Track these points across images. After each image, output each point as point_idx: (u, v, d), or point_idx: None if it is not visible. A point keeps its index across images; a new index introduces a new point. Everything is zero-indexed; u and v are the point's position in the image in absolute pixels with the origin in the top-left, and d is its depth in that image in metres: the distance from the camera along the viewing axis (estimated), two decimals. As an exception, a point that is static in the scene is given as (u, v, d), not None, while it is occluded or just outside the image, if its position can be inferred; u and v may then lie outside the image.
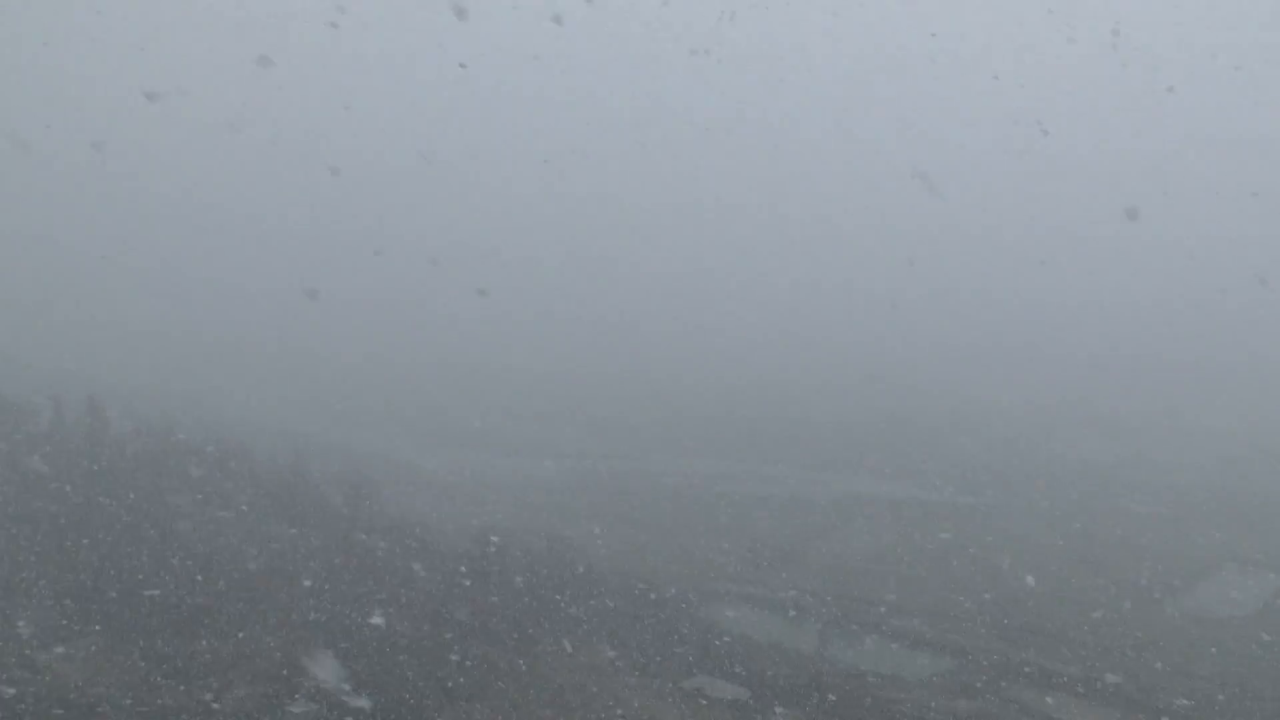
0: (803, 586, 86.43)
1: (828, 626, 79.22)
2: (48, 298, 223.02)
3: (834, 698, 64.19)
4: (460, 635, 68.62)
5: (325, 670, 65.94)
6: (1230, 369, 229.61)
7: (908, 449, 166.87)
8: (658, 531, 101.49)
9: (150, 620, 72.91)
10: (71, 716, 57.94)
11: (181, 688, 64.04)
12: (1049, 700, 67.62)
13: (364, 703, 60.35)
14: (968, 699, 67.69)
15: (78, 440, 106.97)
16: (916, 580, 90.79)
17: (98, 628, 69.94)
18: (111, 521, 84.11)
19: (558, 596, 74.66)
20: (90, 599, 74.09)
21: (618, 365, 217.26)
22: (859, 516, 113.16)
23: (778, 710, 63.09)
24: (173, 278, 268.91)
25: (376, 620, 72.15)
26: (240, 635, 71.22)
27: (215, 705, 61.46)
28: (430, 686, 61.96)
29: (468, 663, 65.12)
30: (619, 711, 60.67)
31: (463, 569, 79.64)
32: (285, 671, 64.67)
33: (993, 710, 65.94)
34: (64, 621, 70.88)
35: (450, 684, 62.43)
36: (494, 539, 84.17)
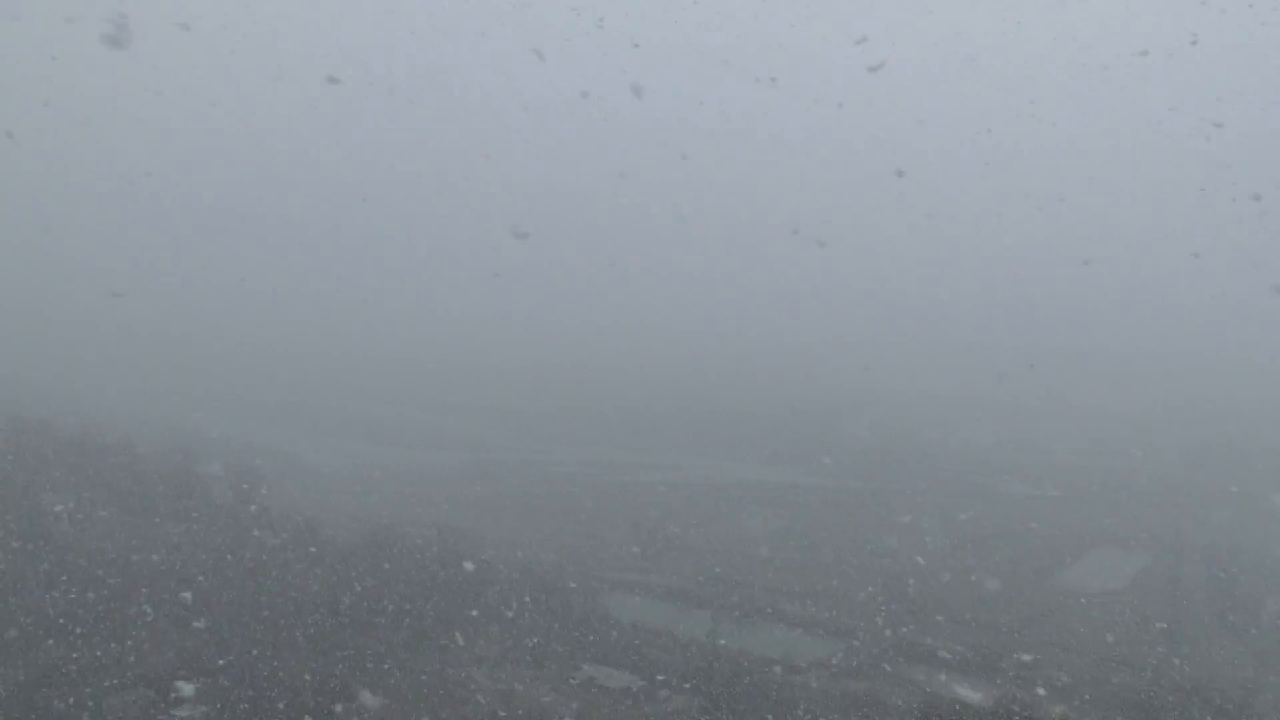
0: (694, 573, 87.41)
1: (719, 612, 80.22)
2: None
3: (725, 683, 65.07)
4: (351, 628, 67.90)
5: (214, 669, 64.40)
6: (1103, 354, 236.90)
7: (804, 437, 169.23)
8: (551, 521, 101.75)
9: (33, 622, 70.63)
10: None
11: (62, 698, 62.18)
12: (938, 677, 69.33)
13: (270, 696, 59.53)
14: (859, 679, 69.10)
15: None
16: (807, 564, 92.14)
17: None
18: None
19: (449, 588, 74.40)
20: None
21: (520, 358, 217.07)
22: (752, 503, 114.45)
23: (669, 696, 63.72)
24: (54, 264, 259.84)
25: (256, 612, 71.00)
26: (126, 640, 69.37)
27: (97, 712, 59.77)
28: (322, 680, 61.25)
29: (360, 655, 64.48)
30: (512, 702, 60.69)
31: (353, 562, 78.91)
32: (165, 678, 63.24)
33: (883, 690, 67.41)
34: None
35: (340, 677, 61.84)
36: (385, 531, 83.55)
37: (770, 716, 69.99)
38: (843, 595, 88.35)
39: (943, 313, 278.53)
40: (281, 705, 63.61)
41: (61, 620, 77.83)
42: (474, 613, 72.85)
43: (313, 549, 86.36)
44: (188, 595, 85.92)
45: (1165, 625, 76.89)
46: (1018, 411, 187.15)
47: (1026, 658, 73.62)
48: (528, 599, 76.03)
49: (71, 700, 66.74)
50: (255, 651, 69.97)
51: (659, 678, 69.10)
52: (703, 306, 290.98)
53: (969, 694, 67.47)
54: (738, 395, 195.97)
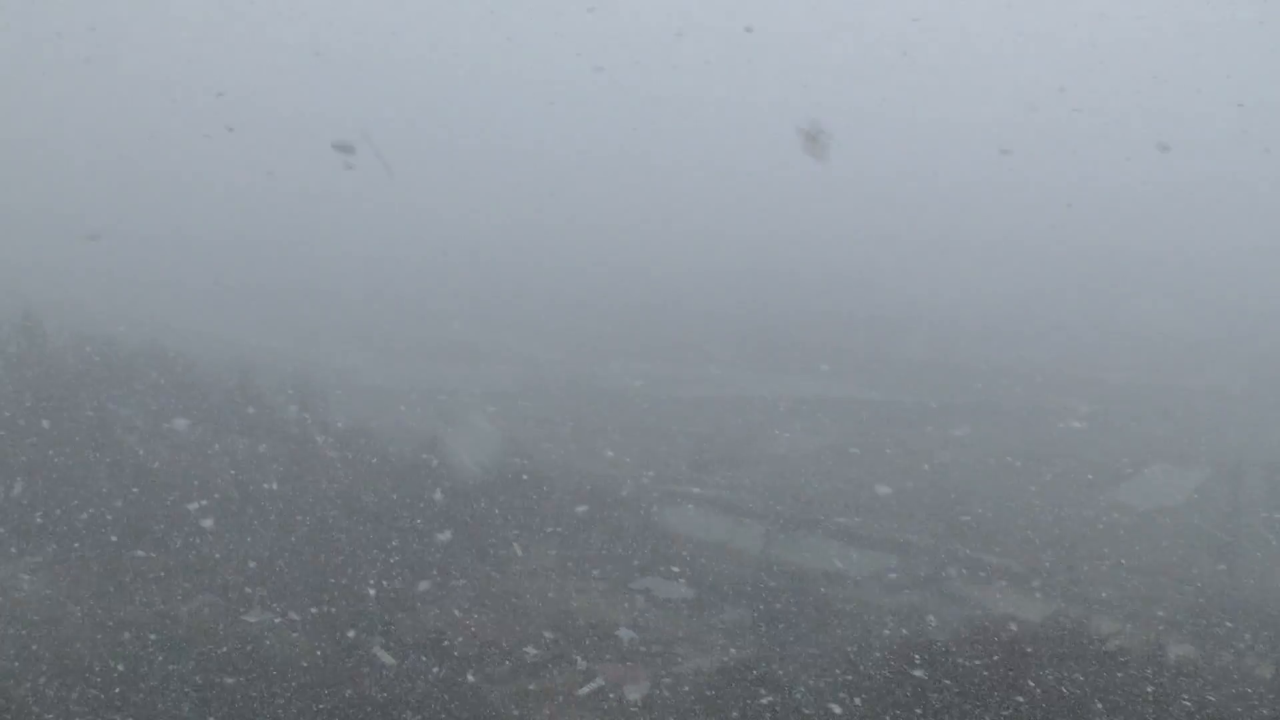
0: (748, 487, 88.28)
1: (772, 526, 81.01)
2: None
3: (779, 595, 66.04)
4: (412, 541, 69.58)
5: (283, 577, 66.46)
6: (1159, 264, 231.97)
7: (858, 349, 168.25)
8: (606, 435, 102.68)
9: (105, 535, 72.93)
10: (36, 631, 58.20)
11: (139, 599, 64.32)
12: (987, 593, 69.90)
13: (334, 605, 61.32)
14: (909, 594, 69.79)
15: (21, 353, 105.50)
16: (859, 479, 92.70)
17: (53, 545, 70.04)
18: (60, 436, 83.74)
19: (507, 500, 75.82)
20: (43, 515, 73.89)
21: (572, 273, 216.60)
22: (805, 416, 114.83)
23: (724, 609, 64.78)
24: (123, 176, 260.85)
25: (319, 522, 72.91)
26: (197, 544, 71.61)
27: (174, 615, 61.95)
28: (382, 592, 63.01)
29: (420, 565, 66.15)
30: (569, 612, 62.07)
31: (413, 474, 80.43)
32: (241, 581, 65.41)
33: (933, 604, 68.06)
34: (20, 537, 70.88)
35: (401, 588, 63.54)
36: (445, 445, 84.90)
37: (822, 627, 71.15)
38: (895, 510, 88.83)
39: (1009, 219, 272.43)
40: (344, 616, 65.54)
41: (130, 527, 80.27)
42: (531, 524, 74.27)
43: (374, 461, 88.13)
44: (251, 505, 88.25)
45: (1223, 542, 76.79)
46: (1076, 329, 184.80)
47: (1079, 574, 73.94)
48: (583, 511, 77.30)
49: (143, 605, 69.16)
50: (321, 560, 71.91)
51: (714, 590, 70.24)
52: (757, 212, 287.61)
53: (1020, 610, 68.00)
54: (792, 306, 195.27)
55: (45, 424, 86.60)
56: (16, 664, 54.08)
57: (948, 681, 53.84)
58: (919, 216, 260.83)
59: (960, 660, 56.98)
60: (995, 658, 52.53)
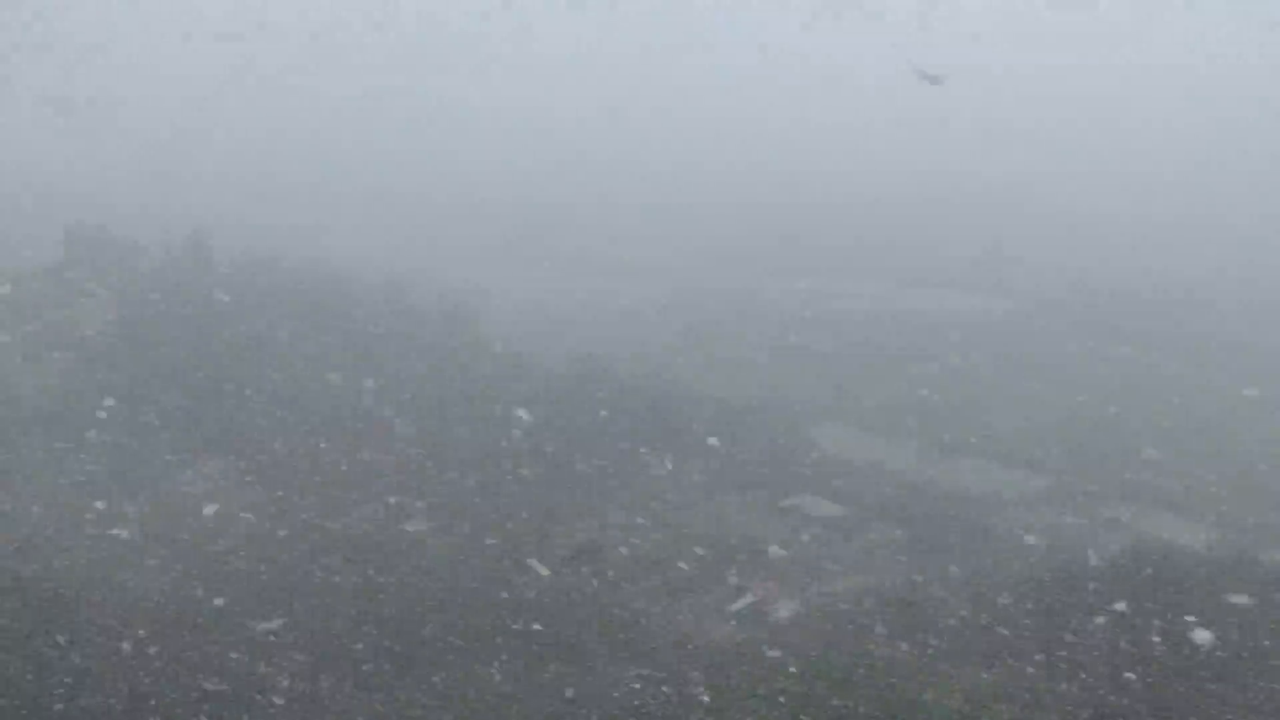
0: (899, 403, 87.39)
1: (925, 444, 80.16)
2: (142, 130, 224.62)
3: (930, 516, 65.53)
4: (562, 455, 70.95)
5: (442, 490, 68.76)
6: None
7: (1004, 264, 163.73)
8: (752, 351, 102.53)
9: (263, 447, 76.27)
10: (200, 538, 61.46)
11: (302, 515, 67.37)
12: (1146, 518, 68.17)
13: (466, 526, 63.12)
14: (1064, 517, 68.53)
15: (185, 273, 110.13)
16: (1013, 397, 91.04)
17: (215, 457, 73.58)
18: (220, 355, 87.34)
19: (657, 416, 76.42)
20: (206, 429, 77.64)
21: (721, 190, 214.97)
22: (954, 331, 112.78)
23: (875, 528, 64.66)
24: (270, 103, 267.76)
25: (476, 437, 74.77)
26: (356, 456, 74.45)
27: (334, 527, 64.67)
28: (536, 505, 64.52)
29: (573, 483, 67.47)
30: (719, 529, 62.70)
31: (562, 391, 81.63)
32: (401, 491, 67.74)
33: (1088, 528, 66.74)
34: (185, 448, 74.64)
35: (554, 502, 64.95)
36: (591, 361, 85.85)
37: (975, 550, 70.29)
38: (1047, 430, 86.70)
39: (1166, 129, 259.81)
40: (499, 527, 67.35)
41: (289, 438, 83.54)
42: (681, 439, 74.89)
43: (521, 379, 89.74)
44: (413, 425, 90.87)
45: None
46: (1239, 237, 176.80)
47: (1248, 502, 71.46)
48: (734, 427, 77.46)
49: (312, 515, 72.26)
50: (478, 474, 73.88)
51: (865, 509, 70.00)
52: (897, 130, 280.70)
53: (1180, 535, 66.17)
54: (935, 220, 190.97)
55: (211, 341, 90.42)
56: (178, 569, 57.25)
57: (1102, 607, 52.89)
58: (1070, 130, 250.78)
59: (1117, 586, 55.85)
60: (1154, 585, 51.35)
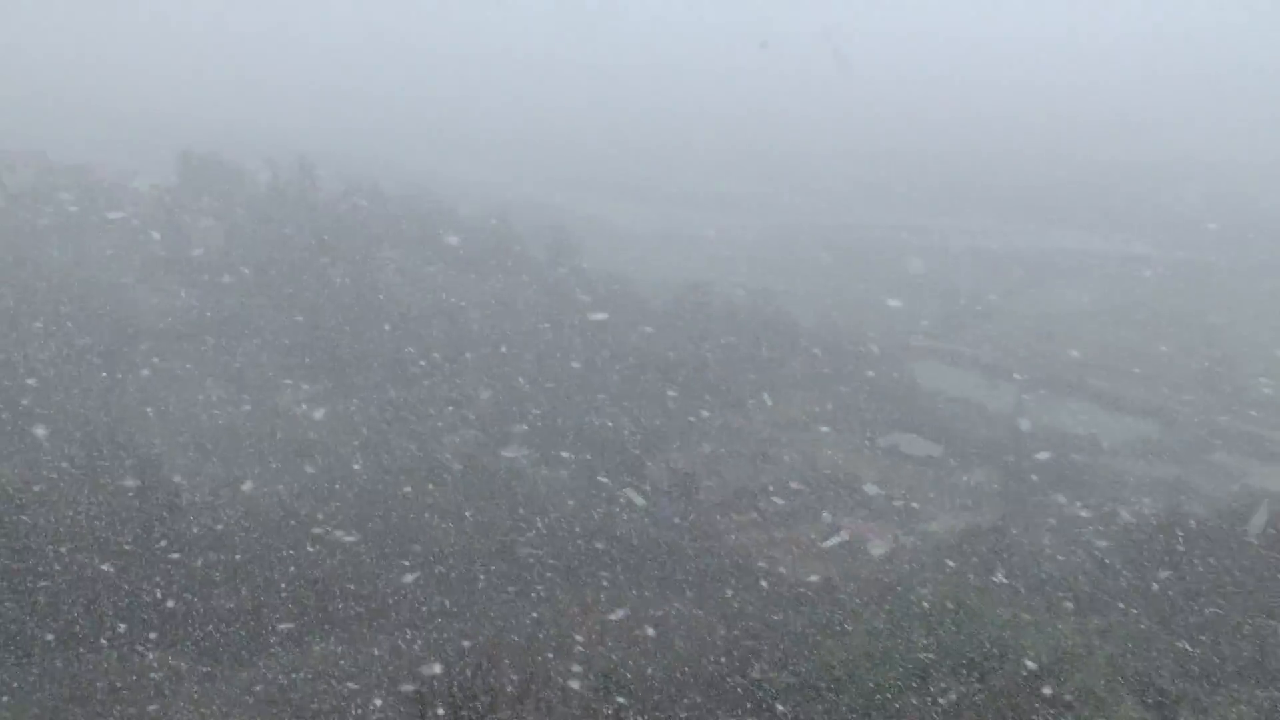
0: (1003, 344, 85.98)
1: (1026, 386, 79.08)
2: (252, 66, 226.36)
3: (1030, 458, 64.82)
4: (664, 389, 71.30)
5: (540, 416, 69.32)
6: None
7: (1128, 205, 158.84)
8: (859, 287, 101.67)
9: (370, 366, 77.62)
10: (312, 451, 62.84)
11: (405, 433, 68.52)
12: (1256, 468, 66.48)
13: (564, 454, 63.98)
14: (1169, 464, 67.23)
15: (295, 200, 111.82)
16: (1123, 341, 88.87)
17: (327, 373, 75.12)
18: (329, 273, 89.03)
19: (759, 350, 76.46)
20: (314, 344, 79.23)
21: (828, 130, 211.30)
22: (1068, 273, 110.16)
23: (972, 469, 64.19)
24: (377, 43, 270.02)
25: (575, 365, 75.41)
26: (455, 381, 75.41)
27: (436, 446, 65.77)
28: (633, 434, 65.15)
29: (674, 411, 67.82)
30: (815, 464, 62.79)
31: (665, 321, 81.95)
32: (500, 418, 68.68)
33: (1194, 477, 65.39)
34: (298, 370, 76.28)
35: (651, 432, 65.51)
36: (694, 292, 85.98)
37: (1073, 494, 69.44)
38: (1159, 375, 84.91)
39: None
40: (598, 457, 68.23)
41: (396, 362, 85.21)
42: (781, 375, 74.92)
43: (625, 307, 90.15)
44: (506, 347, 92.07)
45: None
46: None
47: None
48: (834, 364, 77.34)
49: (410, 438, 73.84)
50: (576, 401, 74.74)
51: (963, 449, 69.54)
52: (1018, 64, 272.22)
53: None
54: (1057, 159, 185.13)
55: (322, 262, 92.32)
56: (294, 485, 59.25)
57: (1203, 556, 51.96)
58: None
59: (1218, 535, 54.71)
60: (1255, 534, 50.17)
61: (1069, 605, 48.19)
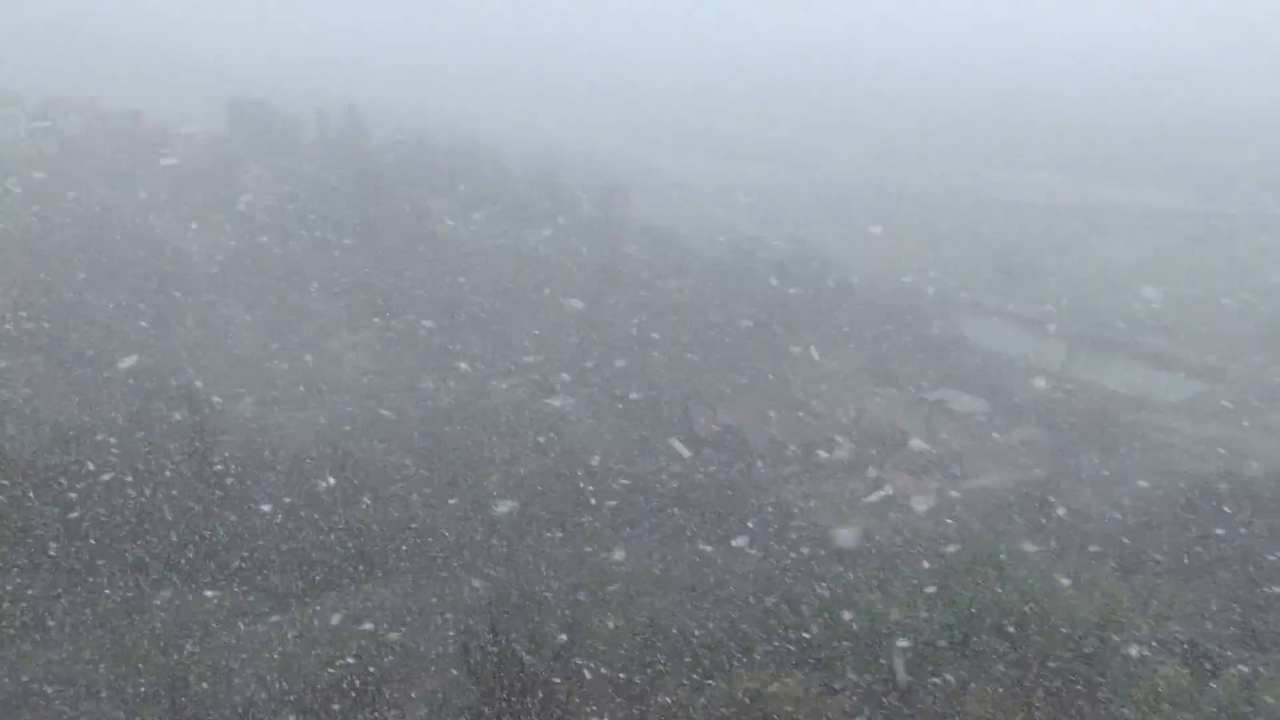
0: (1053, 300, 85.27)
1: (1075, 342, 78.43)
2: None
3: (1076, 417, 64.39)
4: (711, 340, 71.35)
5: (584, 365, 69.61)
6: None
7: (1183, 158, 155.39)
8: (910, 240, 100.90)
9: (417, 311, 77.99)
10: (359, 400, 63.43)
11: (452, 380, 69.16)
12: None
13: (610, 403, 64.31)
14: (1220, 425, 66.55)
15: (343, 148, 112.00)
16: (1175, 298, 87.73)
17: (377, 319, 75.64)
18: (377, 220, 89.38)
19: (807, 303, 76.22)
20: (362, 289, 79.71)
21: (886, 84, 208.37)
22: (1119, 228, 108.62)
23: (1018, 426, 63.90)
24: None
25: (622, 316, 75.52)
26: (500, 330, 75.82)
27: (483, 392, 66.13)
28: (679, 386, 65.32)
29: (721, 364, 67.94)
30: (862, 418, 62.76)
31: (715, 273, 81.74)
32: (546, 366, 69.08)
33: (1244, 437, 64.73)
34: (341, 306, 76.83)
35: (698, 384, 65.66)
36: (745, 244, 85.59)
37: (1119, 454, 68.89)
38: (1214, 334, 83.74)
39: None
40: (642, 405, 68.51)
41: (444, 308, 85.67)
42: (829, 329, 74.74)
43: (673, 258, 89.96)
44: (543, 295, 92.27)
45: None
46: None
47: None
48: (882, 318, 77.01)
49: (457, 382, 74.45)
50: (623, 352, 74.96)
51: (1009, 406, 69.19)
52: (1072, 18, 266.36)
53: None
54: (1109, 114, 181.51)
55: (369, 209, 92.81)
56: (348, 427, 59.98)
57: (1253, 518, 51.53)
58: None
59: (1269, 497, 54.20)
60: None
61: (1112, 565, 48.10)
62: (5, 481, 49.96)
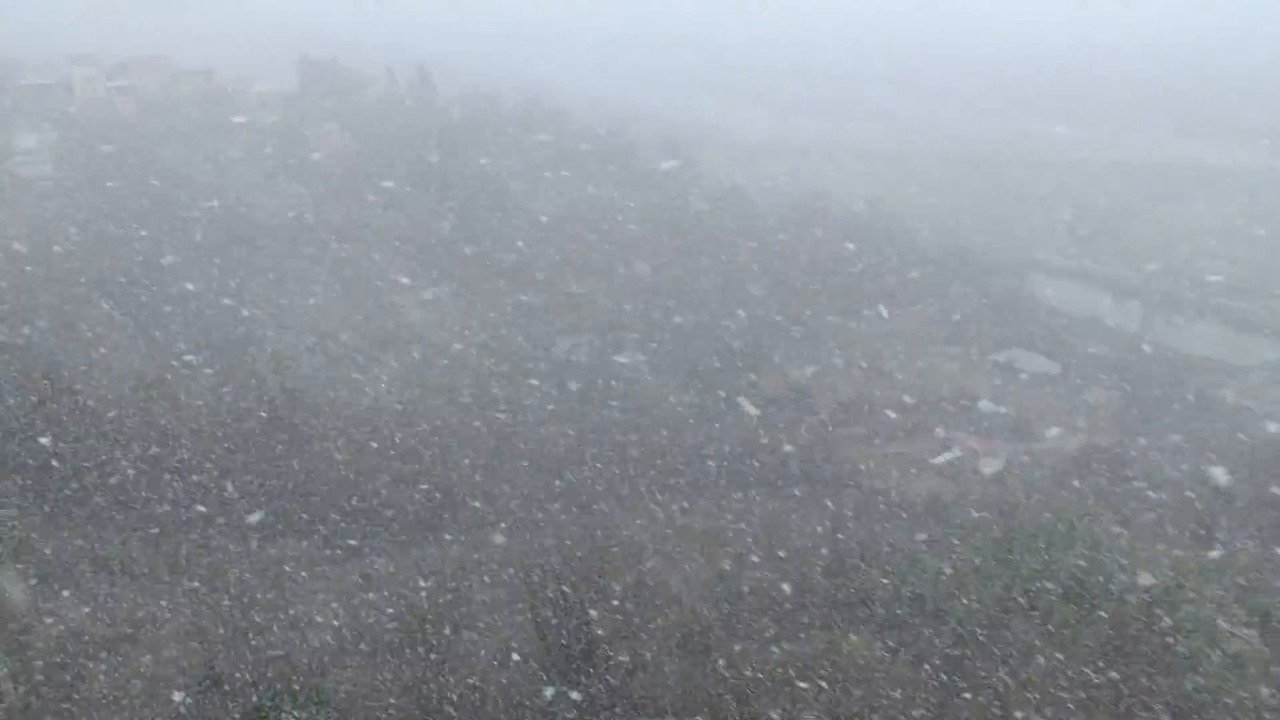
0: (1130, 260, 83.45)
1: (1152, 304, 76.78)
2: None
3: (1151, 379, 63.13)
4: (779, 296, 70.87)
5: (652, 322, 69.33)
6: None
7: (1256, 111, 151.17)
8: (979, 198, 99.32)
9: (487, 268, 78.17)
10: (430, 351, 64.12)
11: (521, 337, 69.44)
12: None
13: (677, 360, 64.14)
14: (1300, 389, 64.76)
15: (412, 105, 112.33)
16: (1258, 260, 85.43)
17: (444, 276, 76.10)
18: (447, 180, 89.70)
19: (877, 262, 75.33)
20: (432, 245, 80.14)
21: (976, 43, 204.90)
22: (1200, 186, 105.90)
23: (1091, 388, 62.81)
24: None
25: (690, 273, 75.19)
26: (569, 289, 75.84)
27: (555, 352, 66.54)
28: (747, 344, 65.05)
29: (791, 323, 67.46)
30: (930, 377, 62.08)
31: (783, 229, 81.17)
32: (614, 323, 69.07)
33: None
34: (410, 263, 77.37)
35: (765, 342, 65.35)
36: (813, 200, 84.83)
37: (1194, 418, 67.45)
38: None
39: None
40: (710, 364, 68.41)
41: (514, 269, 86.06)
42: (896, 287, 73.95)
43: (742, 216, 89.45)
44: (619, 254, 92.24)
45: None
46: None
47: None
48: (953, 277, 75.99)
49: (526, 340, 74.85)
50: (691, 309, 74.81)
51: (1082, 368, 68.06)
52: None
53: None
54: (1186, 64, 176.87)
55: (438, 167, 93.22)
56: (414, 382, 60.64)
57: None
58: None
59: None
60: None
61: (1186, 531, 47.24)
62: (88, 428, 51.43)
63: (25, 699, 35.29)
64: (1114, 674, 33.79)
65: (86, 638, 37.99)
